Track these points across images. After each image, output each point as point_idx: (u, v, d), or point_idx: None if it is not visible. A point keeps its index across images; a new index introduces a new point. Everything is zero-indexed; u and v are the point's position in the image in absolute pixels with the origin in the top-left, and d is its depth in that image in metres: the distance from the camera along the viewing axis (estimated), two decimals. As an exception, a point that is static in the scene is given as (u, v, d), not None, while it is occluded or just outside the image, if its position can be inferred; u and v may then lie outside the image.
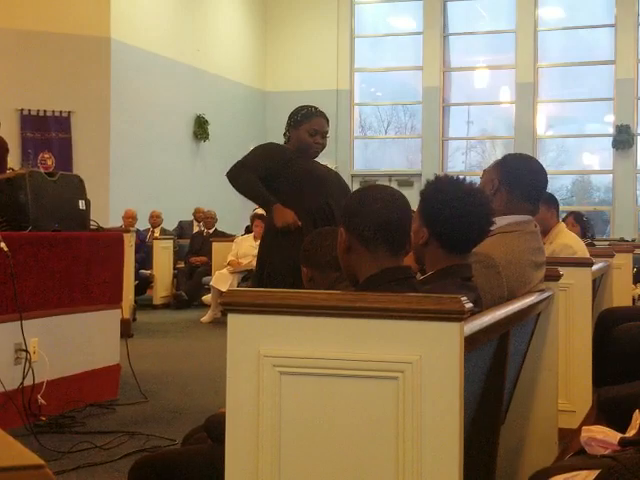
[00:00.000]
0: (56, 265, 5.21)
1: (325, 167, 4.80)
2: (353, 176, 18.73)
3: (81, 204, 5.63)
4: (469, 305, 1.78)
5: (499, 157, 3.52)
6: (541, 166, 3.36)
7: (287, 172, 4.49)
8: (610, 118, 17.22)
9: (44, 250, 5.13)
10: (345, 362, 1.81)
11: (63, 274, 5.27)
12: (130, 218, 12.26)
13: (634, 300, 6.70)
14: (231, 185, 4.54)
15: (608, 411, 3.05)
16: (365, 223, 2.31)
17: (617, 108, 16.92)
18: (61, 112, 13.53)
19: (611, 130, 17.01)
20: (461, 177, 2.68)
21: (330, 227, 3.02)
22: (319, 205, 4.48)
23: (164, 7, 15.36)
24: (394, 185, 18.07)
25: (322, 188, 4.52)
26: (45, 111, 13.45)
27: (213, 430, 2.60)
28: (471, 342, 1.94)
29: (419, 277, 2.65)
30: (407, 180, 17.97)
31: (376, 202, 2.33)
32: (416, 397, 1.77)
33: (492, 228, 2.69)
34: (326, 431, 1.82)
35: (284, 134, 4.74)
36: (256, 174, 4.45)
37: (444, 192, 2.59)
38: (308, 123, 4.62)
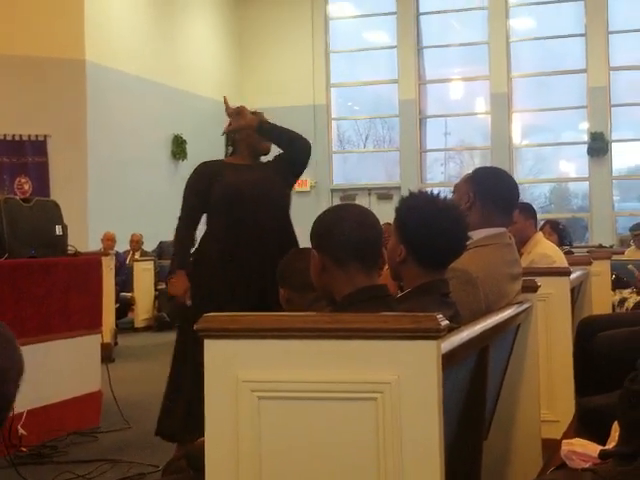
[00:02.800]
0: (34, 292, 5.17)
1: (263, 170, 4.71)
2: (333, 190, 18.75)
3: (58, 229, 5.59)
4: (445, 322, 1.77)
5: (477, 167, 3.53)
6: (511, 178, 3.38)
7: (215, 188, 4.53)
8: (584, 126, 17.35)
9: (21, 277, 5.09)
10: (323, 384, 1.79)
11: (41, 301, 5.23)
12: (109, 241, 12.20)
13: (614, 307, 6.71)
14: None
15: (588, 422, 3.05)
16: (336, 243, 2.31)
17: (591, 116, 17.04)
18: (37, 136, 13.44)
19: (586, 138, 17.12)
20: (435, 192, 2.68)
21: (305, 247, 3.01)
22: (245, 223, 4.48)
23: (139, 28, 15.36)
24: (373, 199, 18.12)
25: (249, 204, 4.50)
26: (21, 135, 13.36)
27: (194, 459, 2.58)
28: (450, 358, 1.93)
29: (398, 294, 2.65)
30: (386, 193, 18.00)
31: (345, 221, 2.33)
32: (395, 417, 1.76)
33: (468, 242, 2.69)
34: (307, 454, 1.81)
35: (228, 146, 4.74)
36: (194, 221, 4.58)
37: (419, 208, 2.59)
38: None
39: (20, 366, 1.79)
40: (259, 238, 4.47)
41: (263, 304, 4.32)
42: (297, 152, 4.66)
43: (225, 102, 4.71)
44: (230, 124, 4.65)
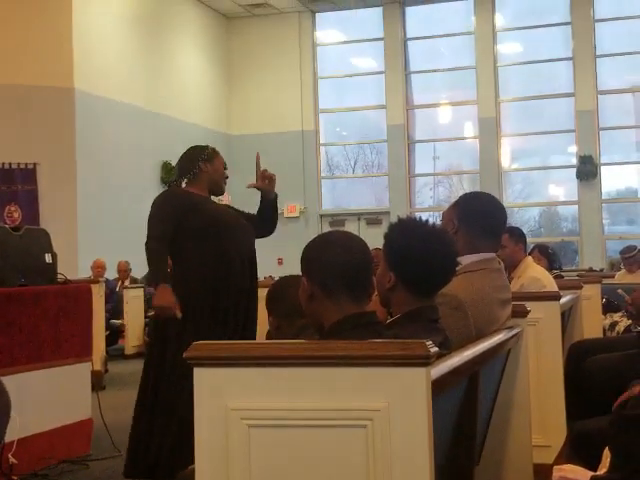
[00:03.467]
0: (24, 321, 5.15)
1: (227, 207, 4.97)
2: (322, 216, 18.78)
3: (47, 257, 5.58)
4: (434, 349, 1.77)
5: (467, 191, 3.55)
6: (497, 202, 3.37)
7: (194, 216, 4.54)
8: (573, 149, 17.43)
9: (11, 306, 5.07)
10: (313, 412, 1.79)
11: (31, 330, 5.21)
12: (99, 268, 12.18)
13: (605, 331, 6.71)
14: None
15: (579, 447, 3.05)
16: (325, 272, 2.31)
17: (579, 139, 17.13)
18: (26, 164, 13.45)
19: (574, 161, 17.20)
20: (424, 218, 2.69)
21: (293, 275, 3.02)
22: (231, 250, 4.55)
23: (128, 56, 15.40)
24: (362, 224, 18.14)
25: (233, 232, 4.60)
26: (10, 163, 13.37)
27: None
28: (440, 385, 1.93)
29: (388, 320, 2.65)
30: (375, 218, 18.03)
31: (334, 249, 2.33)
32: (385, 444, 1.76)
33: (457, 268, 2.69)
34: (297, 483, 1.81)
35: (187, 176, 4.74)
36: (165, 241, 4.53)
37: (408, 235, 2.59)
38: (218, 157, 4.81)
39: (8, 409, 1.80)
40: (242, 264, 4.59)
41: (248, 329, 4.48)
42: (269, 228, 4.94)
43: (257, 160, 4.79)
44: (257, 182, 4.83)
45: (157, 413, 4.38)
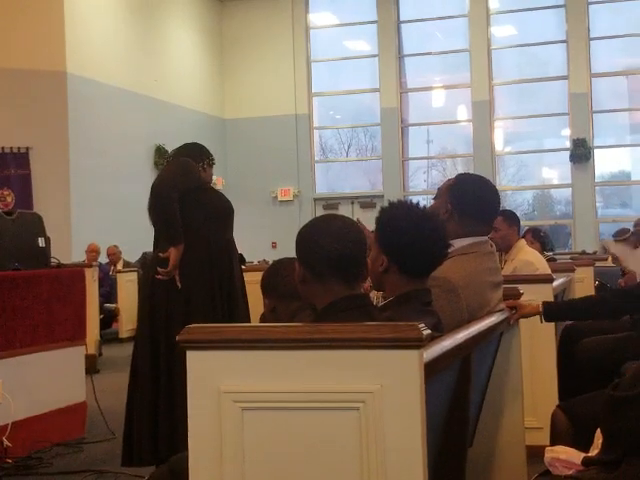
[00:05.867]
0: (18, 304, 5.16)
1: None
2: (316, 199, 18.77)
3: (41, 242, 5.58)
4: (427, 332, 1.78)
5: (460, 173, 3.53)
6: (492, 185, 3.36)
7: (200, 199, 4.54)
8: (566, 132, 17.42)
9: (5, 290, 5.07)
10: (306, 394, 1.80)
11: (25, 313, 5.22)
12: (93, 252, 12.15)
13: (597, 313, 6.73)
14: (153, 202, 4.44)
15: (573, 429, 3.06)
16: (316, 258, 2.31)
17: (573, 122, 17.12)
18: (19, 148, 13.42)
19: (568, 144, 17.20)
20: (415, 201, 2.70)
21: (287, 258, 3.02)
22: (226, 240, 4.61)
23: (120, 40, 15.33)
24: (356, 207, 18.14)
25: (228, 222, 4.67)
26: (3, 148, 13.34)
27: (178, 470, 2.57)
28: (432, 367, 1.94)
29: (381, 303, 2.66)
30: (369, 202, 18.03)
31: (326, 236, 2.33)
32: (378, 426, 1.77)
33: (449, 250, 2.70)
34: (290, 465, 1.82)
35: (202, 164, 4.73)
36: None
37: (399, 218, 2.60)
38: (212, 169, 4.79)
39: None
40: (232, 249, 4.66)
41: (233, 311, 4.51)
42: None
43: None
44: None
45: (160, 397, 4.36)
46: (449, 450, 2.54)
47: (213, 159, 4.78)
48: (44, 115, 13.49)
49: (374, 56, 18.50)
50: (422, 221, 2.58)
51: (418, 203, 2.68)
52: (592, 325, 5.34)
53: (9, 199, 13.16)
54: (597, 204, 17.32)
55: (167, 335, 4.31)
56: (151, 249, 4.61)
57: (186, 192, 4.42)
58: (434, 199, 3.33)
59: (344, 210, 17.84)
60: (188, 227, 4.41)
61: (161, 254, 4.35)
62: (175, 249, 4.34)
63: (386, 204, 2.71)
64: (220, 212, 4.63)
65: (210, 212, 4.55)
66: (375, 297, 3.64)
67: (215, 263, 4.50)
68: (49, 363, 5.45)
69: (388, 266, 2.58)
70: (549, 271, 5.30)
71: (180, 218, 4.37)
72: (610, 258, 8.50)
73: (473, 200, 3.20)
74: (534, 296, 4.25)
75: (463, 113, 18.40)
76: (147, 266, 4.85)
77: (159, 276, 4.33)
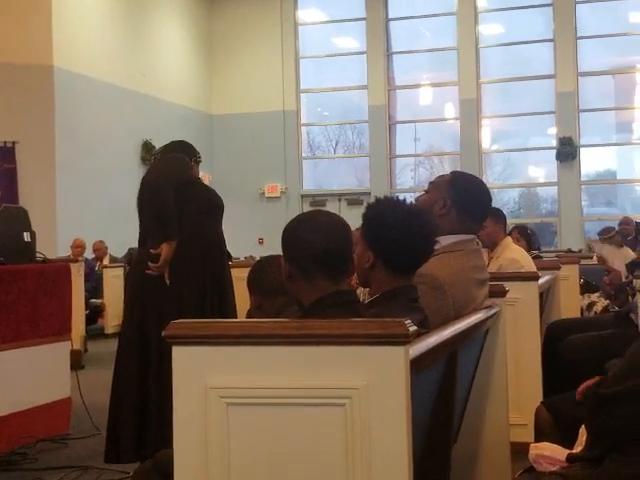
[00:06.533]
0: (2, 299, 5.13)
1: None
2: (303, 196, 18.77)
3: (26, 236, 5.55)
4: (413, 328, 1.78)
5: (456, 171, 3.53)
6: (485, 186, 3.39)
7: (191, 194, 4.51)
8: (553, 131, 17.47)
9: (-11, 285, 5.05)
10: (291, 390, 1.80)
11: (10, 308, 5.19)
12: (79, 247, 12.11)
13: (582, 311, 6.77)
14: (149, 197, 4.35)
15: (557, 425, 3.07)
16: (302, 254, 2.31)
17: (559, 121, 17.17)
18: (5, 142, 13.36)
19: (554, 143, 17.25)
20: (401, 198, 2.70)
21: (274, 254, 3.03)
22: (217, 235, 4.63)
23: (108, 34, 15.28)
24: (343, 204, 18.14)
25: (218, 216, 4.67)
26: (-11, 142, 13.30)
27: (163, 466, 2.57)
28: (418, 364, 1.94)
29: (367, 299, 2.66)
30: (357, 199, 18.03)
31: (312, 232, 2.33)
32: (364, 423, 1.77)
33: (436, 247, 2.71)
34: (276, 461, 1.82)
35: (193, 159, 4.72)
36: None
37: (386, 214, 2.60)
38: (198, 167, 4.78)
39: None
40: (222, 244, 4.68)
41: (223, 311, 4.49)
42: None
43: None
44: None
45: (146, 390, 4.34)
46: (434, 446, 2.54)
47: (200, 157, 4.77)
48: (31, 109, 13.43)
49: (362, 53, 18.50)
50: (409, 217, 2.59)
51: (405, 199, 2.68)
52: (577, 322, 5.36)
53: (-6, 193, 13.09)
54: (583, 202, 17.37)
55: (159, 331, 4.28)
56: (135, 244, 4.59)
57: (178, 187, 4.41)
58: (425, 192, 3.31)
59: (331, 207, 17.84)
60: (180, 222, 4.38)
61: (153, 250, 4.32)
62: (168, 245, 4.30)
63: (373, 200, 2.71)
64: (211, 206, 4.63)
65: (201, 207, 4.54)
66: (362, 293, 3.65)
67: (207, 259, 4.50)
68: (34, 358, 5.42)
69: (374, 262, 2.59)
70: (535, 269, 5.31)
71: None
72: (595, 257, 8.55)
73: (473, 198, 3.22)
74: (519, 294, 4.28)
75: (450, 111, 18.43)
76: (134, 261, 4.81)
77: (149, 271, 4.31)
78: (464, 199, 3.19)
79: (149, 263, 4.31)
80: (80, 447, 5.29)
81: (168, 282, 4.35)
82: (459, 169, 15.99)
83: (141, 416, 4.31)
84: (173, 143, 4.80)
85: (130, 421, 4.33)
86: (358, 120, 18.99)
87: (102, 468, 4.67)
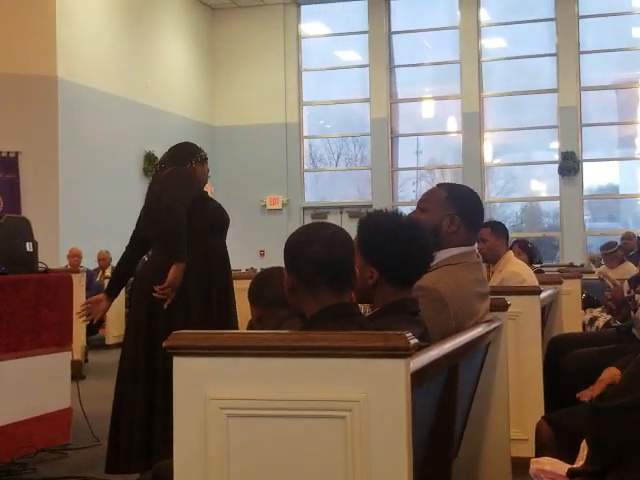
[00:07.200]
0: (3, 309, 5.13)
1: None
2: (305, 208, 18.78)
3: (28, 246, 5.55)
4: (414, 341, 1.78)
5: (450, 183, 3.52)
6: (479, 197, 3.40)
7: (203, 211, 4.50)
8: (555, 145, 17.48)
9: (-9, 294, 5.05)
10: (292, 402, 1.80)
11: (11, 318, 5.19)
12: (75, 257, 12.07)
13: (584, 326, 6.75)
14: (166, 219, 4.33)
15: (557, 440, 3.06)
16: (304, 266, 2.30)
17: (562, 135, 17.18)
18: (8, 153, 13.38)
19: (557, 157, 17.26)
20: (394, 210, 2.70)
21: (275, 266, 3.02)
22: (225, 251, 4.62)
23: (111, 45, 15.33)
24: (345, 217, 18.15)
25: (225, 232, 4.65)
26: (-8, 152, 13.32)
27: (162, 478, 2.56)
28: (419, 377, 1.94)
29: (368, 313, 2.66)
30: (358, 212, 18.01)
31: (315, 244, 2.32)
32: (364, 435, 1.77)
33: (436, 262, 2.70)
34: (275, 472, 1.81)
35: (199, 158, 4.70)
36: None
37: (383, 227, 2.59)
38: (206, 164, 4.73)
39: None
40: (228, 259, 4.65)
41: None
42: None
43: None
44: None
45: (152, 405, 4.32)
46: (434, 460, 2.54)
47: (205, 154, 4.69)
48: (34, 120, 13.45)
49: (365, 66, 18.54)
50: (405, 229, 2.59)
51: (396, 211, 2.68)
52: (579, 337, 5.35)
53: (-3, 203, 13.12)
54: (585, 217, 17.37)
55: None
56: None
57: (190, 204, 4.41)
58: (420, 211, 3.27)
59: (333, 219, 17.85)
60: (192, 238, 4.38)
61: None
62: (177, 267, 4.27)
63: (366, 215, 2.70)
64: (220, 223, 4.61)
65: (212, 224, 4.54)
66: (363, 307, 3.64)
67: (215, 275, 4.49)
68: (35, 368, 5.42)
69: (379, 278, 2.58)
70: (536, 283, 5.30)
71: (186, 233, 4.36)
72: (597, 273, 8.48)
73: (474, 209, 3.22)
74: (521, 308, 4.27)
75: (453, 124, 18.45)
76: (139, 277, 4.78)
77: (156, 294, 4.28)
78: (468, 212, 3.18)
79: (155, 287, 4.28)
80: (80, 457, 5.28)
81: (165, 306, 4.31)
82: (461, 182, 16.00)
83: (144, 427, 4.30)
84: (175, 147, 4.77)
85: (131, 431, 4.31)
86: (360, 133, 19.02)
87: (102, 478, 4.66)
